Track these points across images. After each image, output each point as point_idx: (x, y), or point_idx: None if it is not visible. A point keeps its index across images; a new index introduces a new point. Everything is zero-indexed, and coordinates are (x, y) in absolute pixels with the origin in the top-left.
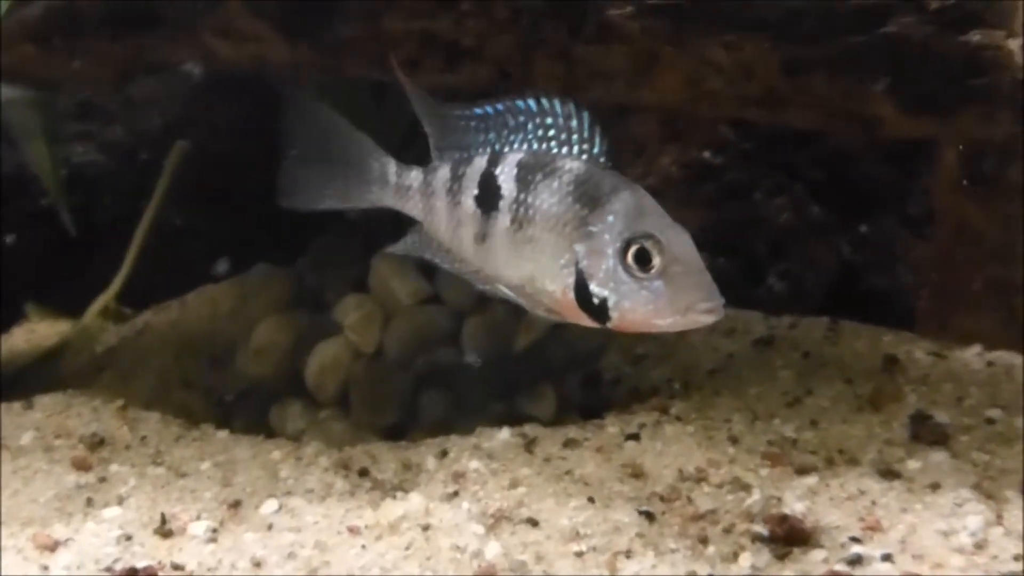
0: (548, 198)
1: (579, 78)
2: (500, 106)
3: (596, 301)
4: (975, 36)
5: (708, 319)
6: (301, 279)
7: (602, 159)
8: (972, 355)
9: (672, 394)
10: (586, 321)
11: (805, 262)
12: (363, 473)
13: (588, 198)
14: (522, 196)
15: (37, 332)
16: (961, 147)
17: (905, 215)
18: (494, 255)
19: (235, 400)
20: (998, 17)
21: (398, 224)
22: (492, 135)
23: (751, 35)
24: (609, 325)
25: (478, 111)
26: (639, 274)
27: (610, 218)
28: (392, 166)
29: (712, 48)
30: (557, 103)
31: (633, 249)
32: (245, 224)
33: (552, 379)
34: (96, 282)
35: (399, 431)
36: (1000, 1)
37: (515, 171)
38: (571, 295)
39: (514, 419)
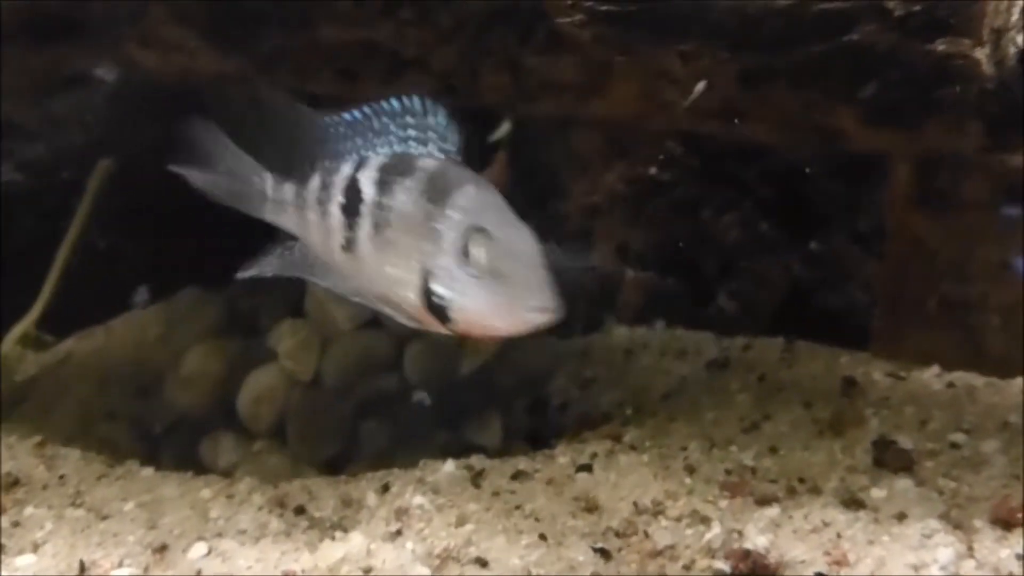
0: (401, 198)
1: (528, 89)
2: (367, 109)
3: (438, 301)
4: (942, 45)
5: (539, 320)
6: (233, 303)
7: (456, 155)
8: (931, 376)
9: (625, 421)
10: (439, 327)
11: (755, 280)
12: (300, 511)
13: (434, 195)
14: (380, 199)
15: None
16: (919, 161)
17: (857, 232)
18: (360, 264)
19: (163, 433)
20: (965, 25)
21: None
22: (360, 140)
23: (708, 44)
24: (452, 328)
25: (347, 116)
26: (473, 271)
27: (450, 213)
28: (269, 180)
29: (667, 58)
30: (417, 101)
31: (468, 245)
32: (173, 246)
33: (498, 406)
34: (13, 308)
35: (338, 463)
36: (967, 9)
37: (376, 175)
38: (420, 298)
39: (459, 448)
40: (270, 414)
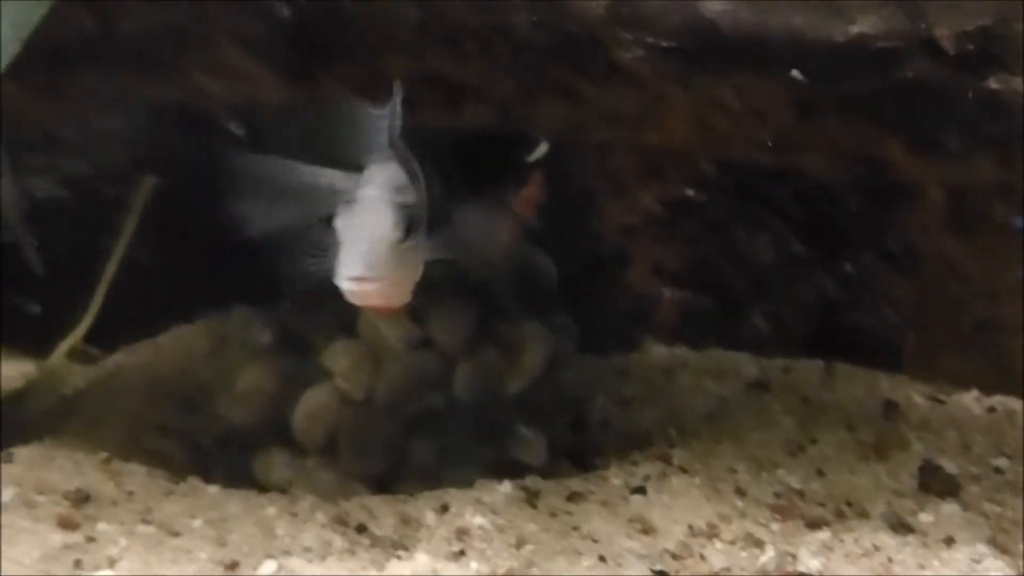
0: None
1: (584, 120)
2: (390, 103)
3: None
4: (994, 82)
5: (350, 287)
6: (284, 322)
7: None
8: (971, 400)
9: (670, 442)
10: None
11: (788, 301)
12: (361, 529)
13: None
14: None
15: None
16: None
17: (886, 252)
18: None
19: (213, 447)
20: (1018, 63)
21: None
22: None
23: (762, 78)
24: None
25: (383, 111)
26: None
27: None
28: (338, 175)
29: (722, 90)
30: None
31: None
32: (220, 264)
33: (542, 424)
34: (57, 321)
35: (388, 479)
36: (1021, 48)
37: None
38: None
39: (504, 466)
40: (323, 431)
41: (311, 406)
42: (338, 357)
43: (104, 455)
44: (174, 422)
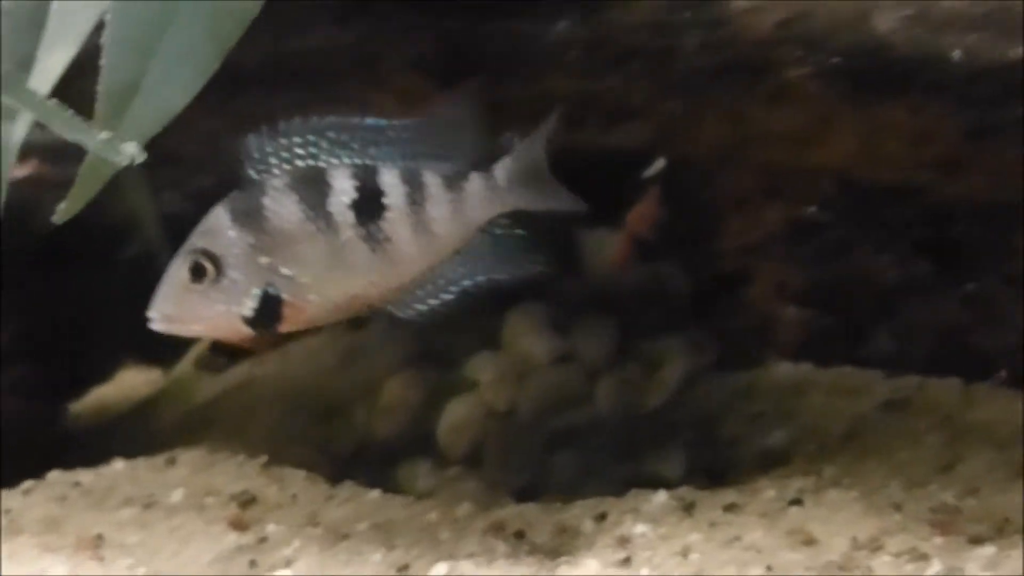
0: None
1: (747, 139)
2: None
3: None
4: None
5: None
6: (425, 335)
7: None
8: None
9: (814, 458)
10: None
11: (912, 320)
12: (519, 536)
13: None
14: None
15: (126, 383)
16: None
17: (1009, 274)
18: None
19: (353, 457)
20: None
21: None
22: None
23: (935, 98)
24: None
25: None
26: None
27: None
28: None
29: (892, 110)
30: None
31: None
32: None
33: (678, 439)
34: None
35: (530, 491)
36: None
37: None
38: None
39: (643, 480)
40: (466, 442)
41: (455, 417)
42: (483, 369)
43: (263, 459)
44: (311, 433)
